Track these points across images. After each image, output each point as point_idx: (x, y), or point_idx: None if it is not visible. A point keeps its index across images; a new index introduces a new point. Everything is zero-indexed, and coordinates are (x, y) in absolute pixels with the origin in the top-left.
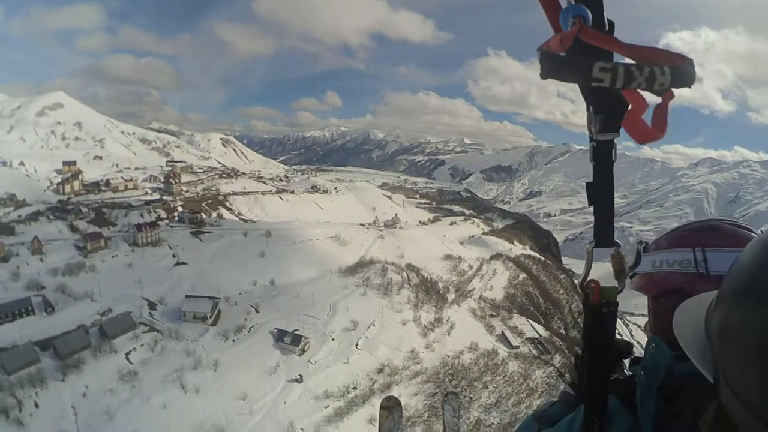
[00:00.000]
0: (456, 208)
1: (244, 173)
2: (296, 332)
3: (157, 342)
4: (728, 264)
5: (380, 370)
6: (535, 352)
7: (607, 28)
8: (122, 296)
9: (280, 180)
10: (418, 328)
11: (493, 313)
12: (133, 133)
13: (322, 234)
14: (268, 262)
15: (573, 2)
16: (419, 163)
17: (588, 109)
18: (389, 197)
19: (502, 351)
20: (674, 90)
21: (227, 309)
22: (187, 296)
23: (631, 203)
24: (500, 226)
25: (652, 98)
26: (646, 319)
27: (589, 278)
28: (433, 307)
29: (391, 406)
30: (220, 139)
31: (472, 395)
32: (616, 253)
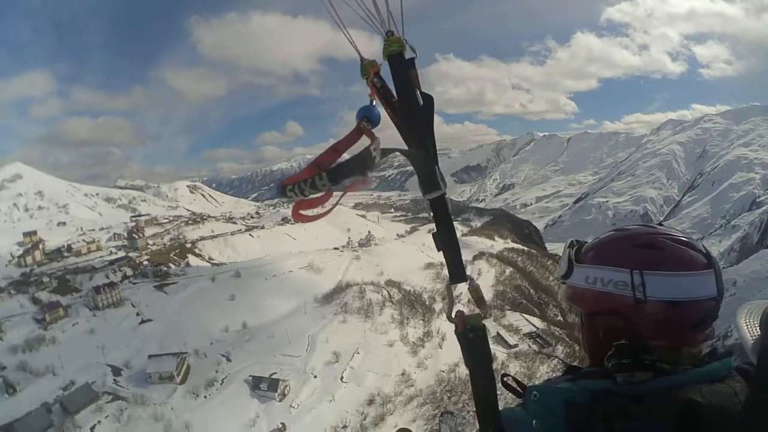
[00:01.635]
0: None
1: (212, 217)
2: (273, 376)
3: (123, 411)
4: (667, 290)
5: (371, 402)
6: (535, 347)
7: (422, 103)
8: (85, 366)
9: (252, 217)
10: (407, 347)
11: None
12: (97, 194)
13: (294, 265)
14: (239, 303)
15: (372, 102)
16: (390, 178)
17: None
18: (363, 216)
19: (501, 353)
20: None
21: (197, 363)
22: (150, 356)
23: (603, 178)
24: (479, 225)
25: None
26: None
27: (454, 310)
28: (421, 321)
29: None
30: (187, 186)
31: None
32: (471, 285)
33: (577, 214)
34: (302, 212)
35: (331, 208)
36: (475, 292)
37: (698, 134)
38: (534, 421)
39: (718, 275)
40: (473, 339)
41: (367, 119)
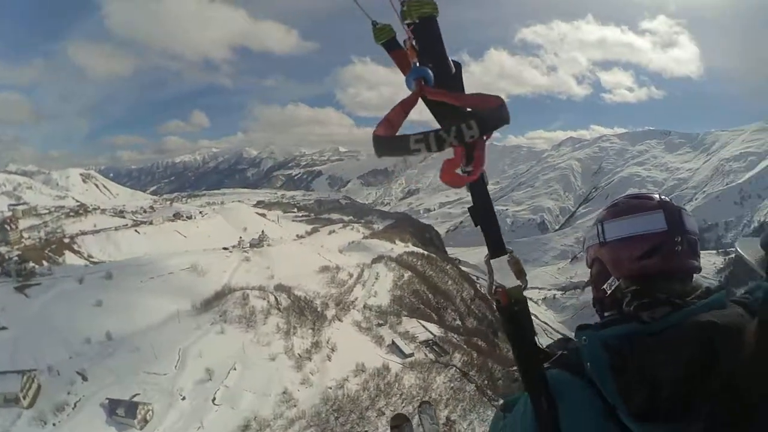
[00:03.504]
0: (335, 216)
1: (99, 209)
2: (135, 398)
3: None
4: (618, 230)
5: (245, 428)
6: (431, 356)
7: (454, 70)
8: None
9: (144, 212)
10: (291, 361)
11: (381, 322)
12: None
13: (176, 265)
14: (107, 310)
15: (416, 64)
16: (296, 177)
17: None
18: (263, 215)
19: (395, 364)
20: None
21: (48, 382)
22: None
23: (504, 188)
24: (380, 228)
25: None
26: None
27: (495, 285)
28: (310, 330)
29: (400, 424)
30: (80, 174)
31: (367, 429)
32: (511, 257)
33: None
34: (457, 172)
35: (481, 167)
36: (516, 264)
37: (596, 152)
38: (587, 364)
39: (669, 212)
40: (518, 311)
41: (424, 79)
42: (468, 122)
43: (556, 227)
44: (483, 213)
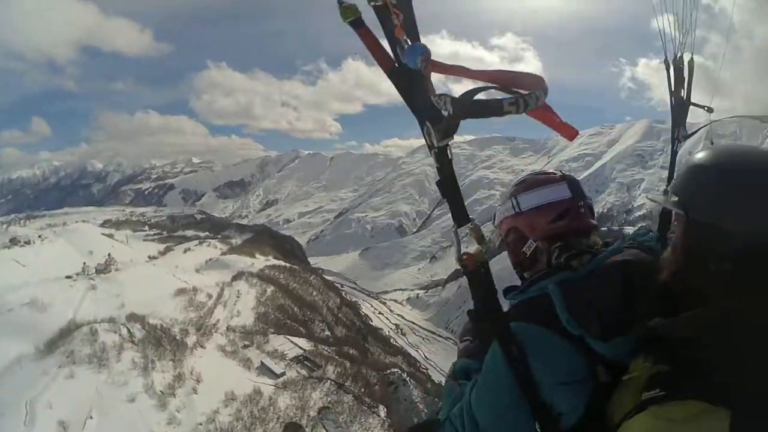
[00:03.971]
0: (190, 232)
1: None
2: None
3: None
4: (529, 202)
5: None
6: (304, 372)
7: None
8: None
9: None
10: (153, 400)
11: (247, 343)
12: None
13: (16, 301)
14: None
15: (408, 42)
16: (147, 192)
17: (424, 126)
18: (111, 235)
19: (267, 386)
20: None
21: None
22: None
23: (362, 195)
24: (239, 242)
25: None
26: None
27: (461, 253)
28: (170, 362)
29: None
30: None
31: None
32: (474, 225)
33: (338, 229)
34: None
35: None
36: (477, 231)
37: None
38: (554, 307)
39: (571, 183)
40: (483, 273)
41: (427, 56)
42: (538, 92)
43: (414, 230)
44: (450, 185)
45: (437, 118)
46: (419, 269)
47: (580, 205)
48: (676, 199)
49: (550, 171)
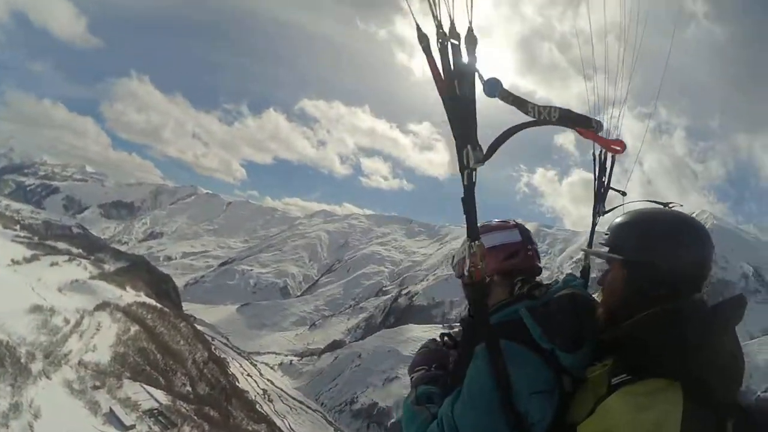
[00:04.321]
0: (62, 245)
1: None
2: None
3: None
4: (489, 242)
5: None
6: (157, 428)
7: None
8: None
9: None
10: None
11: (98, 384)
12: None
13: None
14: None
15: (483, 77)
16: (30, 188)
17: (464, 149)
18: None
19: None
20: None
21: None
22: None
23: (252, 248)
24: (112, 269)
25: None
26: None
27: (471, 263)
28: (9, 387)
29: None
30: None
31: None
32: (480, 243)
33: (221, 278)
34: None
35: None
36: (481, 249)
37: (344, 228)
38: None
39: (522, 230)
40: (485, 286)
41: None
42: (591, 119)
43: (298, 293)
44: (471, 202)
45: (476, 144)
46: (297, 335)
47: (529, 248)
48: (607, 249)
49: (506, 219)
